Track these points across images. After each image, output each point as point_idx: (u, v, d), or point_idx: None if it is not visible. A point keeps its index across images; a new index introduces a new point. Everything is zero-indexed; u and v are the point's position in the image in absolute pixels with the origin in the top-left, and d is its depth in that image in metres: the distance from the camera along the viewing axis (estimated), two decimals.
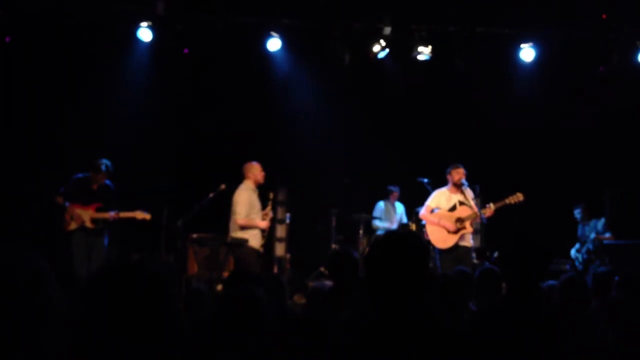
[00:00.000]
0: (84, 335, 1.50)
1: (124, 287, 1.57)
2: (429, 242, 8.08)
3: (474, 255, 8.84)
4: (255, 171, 8.00)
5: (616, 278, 4.18)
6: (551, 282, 4.65)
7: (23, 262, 1.27)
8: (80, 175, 7.71)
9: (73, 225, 7.57)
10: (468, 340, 2.35)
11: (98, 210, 7.62)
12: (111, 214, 7.58)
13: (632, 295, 3.86)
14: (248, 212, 7.86)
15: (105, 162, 7.67)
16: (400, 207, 10.20)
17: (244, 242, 7.80)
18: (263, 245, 8.05)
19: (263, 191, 8.17)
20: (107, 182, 7.77)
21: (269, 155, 8.99)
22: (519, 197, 7.82)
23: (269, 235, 8.36)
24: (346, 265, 4.39)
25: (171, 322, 1.59)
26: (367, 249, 9.54)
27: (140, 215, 7.64)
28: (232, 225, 7.93)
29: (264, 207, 8.08)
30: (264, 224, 7.97)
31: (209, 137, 10.16)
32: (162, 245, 8.91)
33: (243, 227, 7.82)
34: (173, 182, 9.71)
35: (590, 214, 9.91)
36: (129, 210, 7.66)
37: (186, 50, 9.38)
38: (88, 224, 7.57)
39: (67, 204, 7.59)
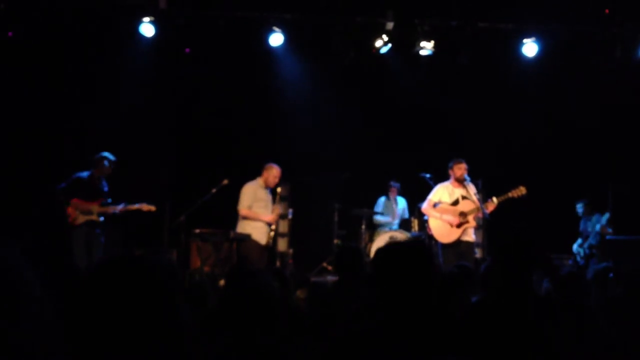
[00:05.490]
0: (83, 328, 1.51)
1: (126, 281, 1.58)
2: (431, 237, 8.09)
3: (476, 250, 8.84)
4: (271, 173, 8.02)
5: (610, 275, 4.18)
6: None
7: None
8: (81, 174, 7.82)
9: (80, 219, 7.69)
10: (465, 332, 2.37)
11: (103, 204, 7.77)
12: (119, 207, 7.73)
13: (631, 291, 3.87)
14: (251, 204, 7.93)
15: (107, 156, 7.82)
16: (402, 202, 10.20)
17: (247, 237, 7.83)
18: (270, 240, 8.07)
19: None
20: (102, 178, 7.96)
21: (271, 150, 9.00)
22: (522, 190, 7.81)
23: None
24: (352, 261, 4.40)
25: (172, 317, 1.59)
26: (369, 245, 9.57)
27: (146, 207, 7.87)
28: (239, 218, 8.02)
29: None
30: (268, 217, 7.99)
31: (211, 132, 10.17)
32: (165, 241, 8.94)
33: (245, 218, 7.89)
34: (176, 178, 9.72)
35: (593, 209, 9.91)
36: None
37: (188, 50, 9.41)
38: (95, 218, 7.74)
39: (70, 200, 7.71)
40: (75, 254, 7.61)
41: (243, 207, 7.95)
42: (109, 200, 7.86)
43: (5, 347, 1.17)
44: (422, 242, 2.50)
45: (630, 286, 3.93)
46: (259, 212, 7.97)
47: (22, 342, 1.20)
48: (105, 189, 7.92)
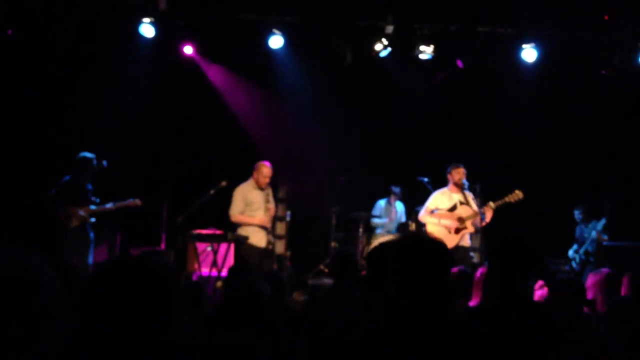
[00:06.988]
0: (86, 329, 1.51)
1: (127, 282, 1.58)
2: None
3: (472, 254, 8.85)
4: (260, 173, 7.90)
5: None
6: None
7: (21, 268, 1.24)
8: (67, 178, 7.83)
9: (73, 223, 7.73)
10: (463, 338, 2.37)
11: (93, 206, 7.83)
12: (108, 206, 7.87)
13: (634, 295, 3.88)
14: (242, 209, 7.83)
15: (92, 156, 7.82)
16: (400, 206, 10.20)
17: (244, 239, 7.80)
18: (270, 244, 7.99)
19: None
20: None
21: (270, 152, 8.99)
22: (519, 195, 7.82)
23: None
24: (348, 265, 4.42)
25: (172, 317, 1.60)
26: (367, 248, 9.58)
27: (132, 203, 8.00)
28: None
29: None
30: (258, 220, 7.88)
31: (209, 133, 10.16)
32: (163, 242, 8.94)
33: (236, 223, 7.87)
34: (174, 178, 9.71)
35: (591, 215, 9.91)
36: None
37: (187, 53, 9.43)
38: (87, 220, 7.81)
39: (62, 205, 7.75)
40: (71, 255, 7.67)
41: (234, 213, 7.84)
42: (97, 200, 7.91)
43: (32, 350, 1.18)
44: (443, 244, 2.41)
45: (632, 290, 3.94)
46: (250, 216, 7.90)
47: (48, 346, 1.20)
48: (90, 187, 7.95)
